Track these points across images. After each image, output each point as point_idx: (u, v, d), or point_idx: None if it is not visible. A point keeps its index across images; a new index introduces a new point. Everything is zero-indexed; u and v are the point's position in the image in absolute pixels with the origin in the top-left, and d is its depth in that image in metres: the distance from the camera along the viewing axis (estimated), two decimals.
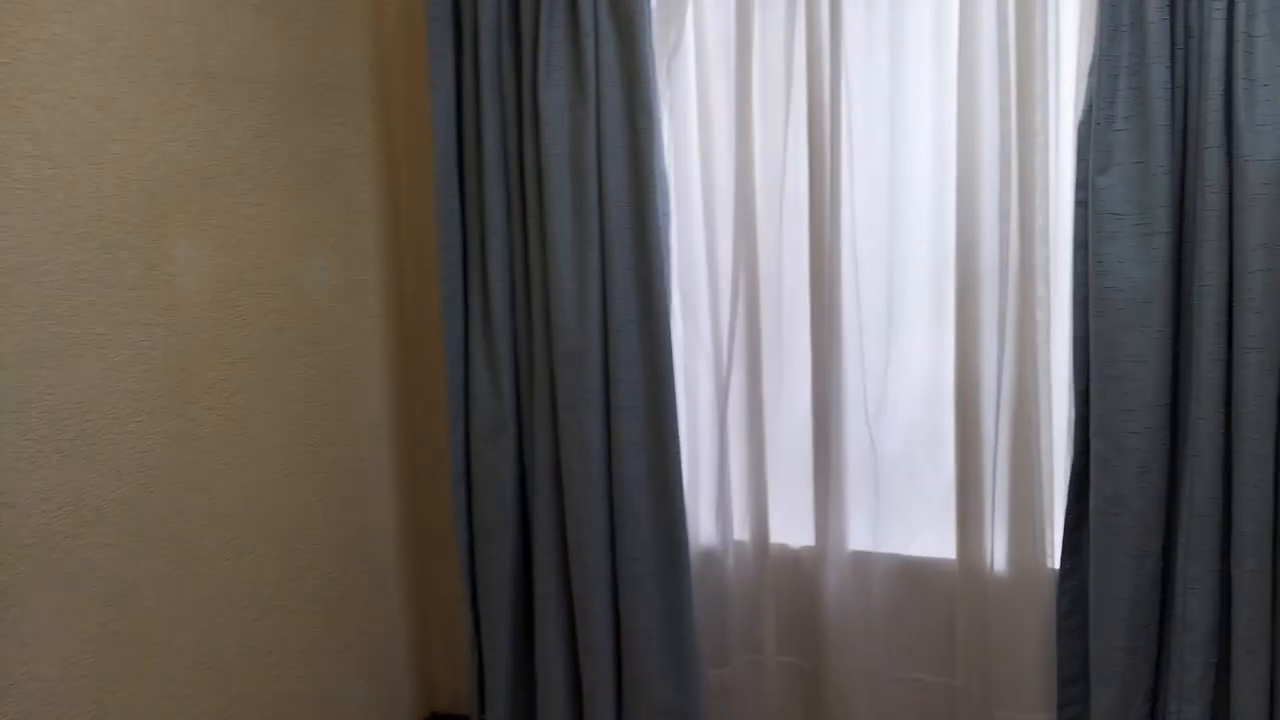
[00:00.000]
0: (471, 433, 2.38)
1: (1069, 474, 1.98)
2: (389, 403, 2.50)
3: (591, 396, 2.22)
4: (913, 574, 2.22)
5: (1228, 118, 1.75)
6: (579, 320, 2.22)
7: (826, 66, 2.10)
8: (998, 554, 2.12)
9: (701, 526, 2.34)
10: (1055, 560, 2.06)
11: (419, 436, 2.57)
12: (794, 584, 2.32)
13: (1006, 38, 1.97)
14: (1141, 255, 1.83)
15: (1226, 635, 1.87)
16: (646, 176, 2.15)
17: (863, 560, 2.23)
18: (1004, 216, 2.01)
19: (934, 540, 2.18)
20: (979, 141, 2.02)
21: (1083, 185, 1.90)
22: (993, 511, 2.10)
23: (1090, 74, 1.88)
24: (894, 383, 2.17)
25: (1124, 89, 1.83)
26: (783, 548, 2.32)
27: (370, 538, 2.46)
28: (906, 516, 2.20)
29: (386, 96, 2.45)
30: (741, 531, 2.33)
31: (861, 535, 2.22)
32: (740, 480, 2.31)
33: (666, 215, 2.20)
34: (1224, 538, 1.84)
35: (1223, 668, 1.88)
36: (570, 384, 2.23)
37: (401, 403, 2.54)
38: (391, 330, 2.50)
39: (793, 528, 2.30)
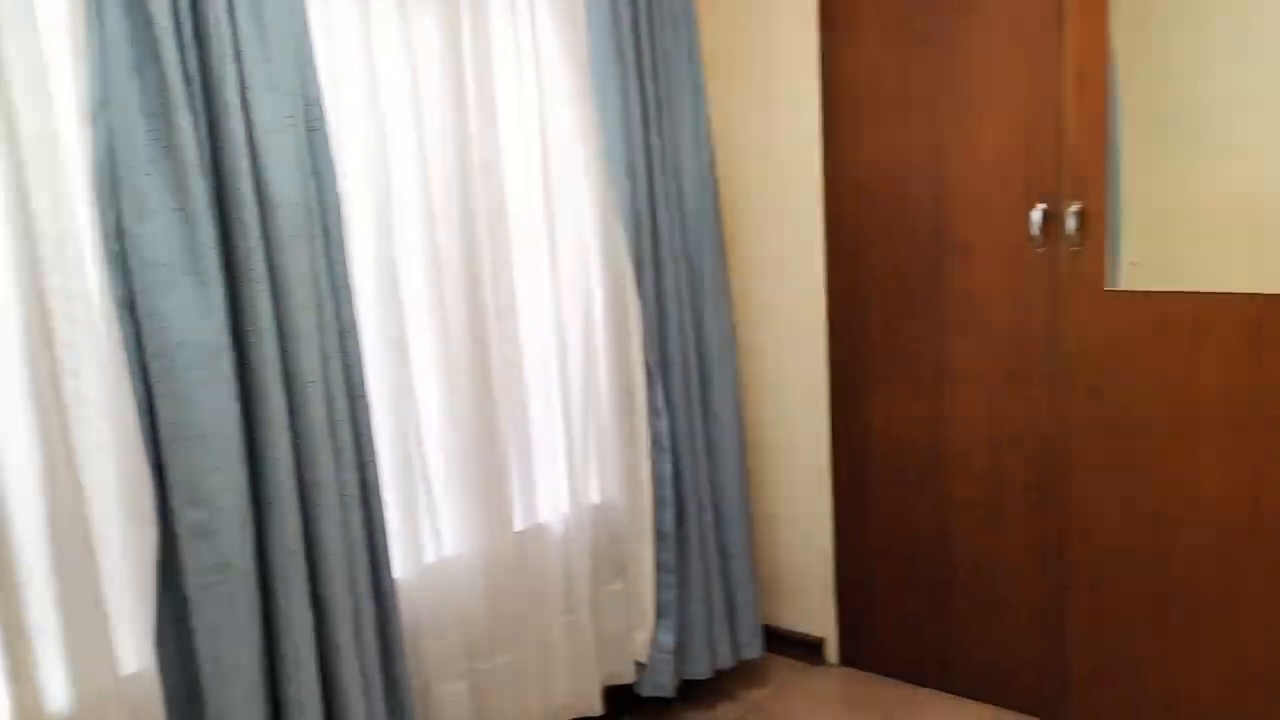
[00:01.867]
0: None
1: (155, 560, 1.73)
2: None
3: None
4: None
5: (255, 163, 1.78)
6: None
7: None
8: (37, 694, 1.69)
9: None
10: (126, 667, 1.77)
11: None
12: None
13: None
14: (202, 306, 1.72)
15: (326, 660, 1.93)
16: None
17: None
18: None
19: None
20: None
21: (114, 235, 1.66)
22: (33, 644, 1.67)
23: (97, 116, 1.64)
24: None
25: (144, 131, 1.67)
26: None
27: None
28: None
29: None
30: None
31: None
32: None
33: None
34: (311, 566, 1.91)
35: (329, 693, 1.95)
36: None
37: None
38: None
39: None
